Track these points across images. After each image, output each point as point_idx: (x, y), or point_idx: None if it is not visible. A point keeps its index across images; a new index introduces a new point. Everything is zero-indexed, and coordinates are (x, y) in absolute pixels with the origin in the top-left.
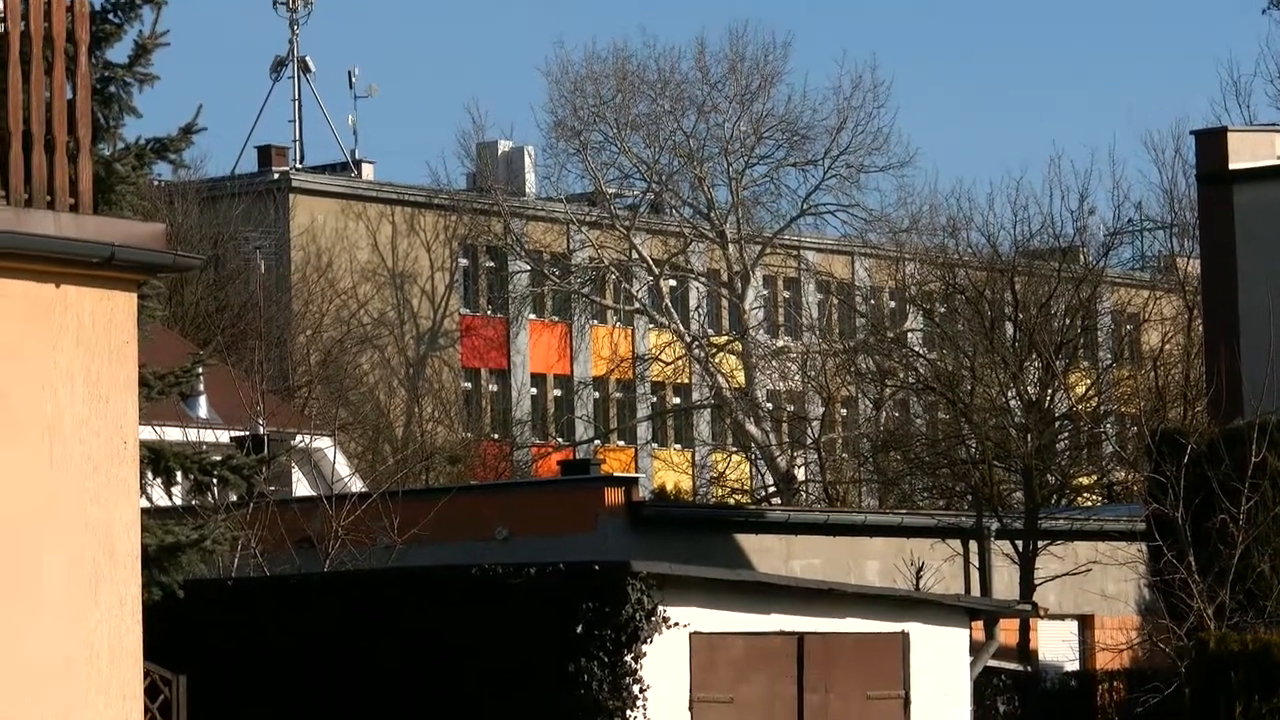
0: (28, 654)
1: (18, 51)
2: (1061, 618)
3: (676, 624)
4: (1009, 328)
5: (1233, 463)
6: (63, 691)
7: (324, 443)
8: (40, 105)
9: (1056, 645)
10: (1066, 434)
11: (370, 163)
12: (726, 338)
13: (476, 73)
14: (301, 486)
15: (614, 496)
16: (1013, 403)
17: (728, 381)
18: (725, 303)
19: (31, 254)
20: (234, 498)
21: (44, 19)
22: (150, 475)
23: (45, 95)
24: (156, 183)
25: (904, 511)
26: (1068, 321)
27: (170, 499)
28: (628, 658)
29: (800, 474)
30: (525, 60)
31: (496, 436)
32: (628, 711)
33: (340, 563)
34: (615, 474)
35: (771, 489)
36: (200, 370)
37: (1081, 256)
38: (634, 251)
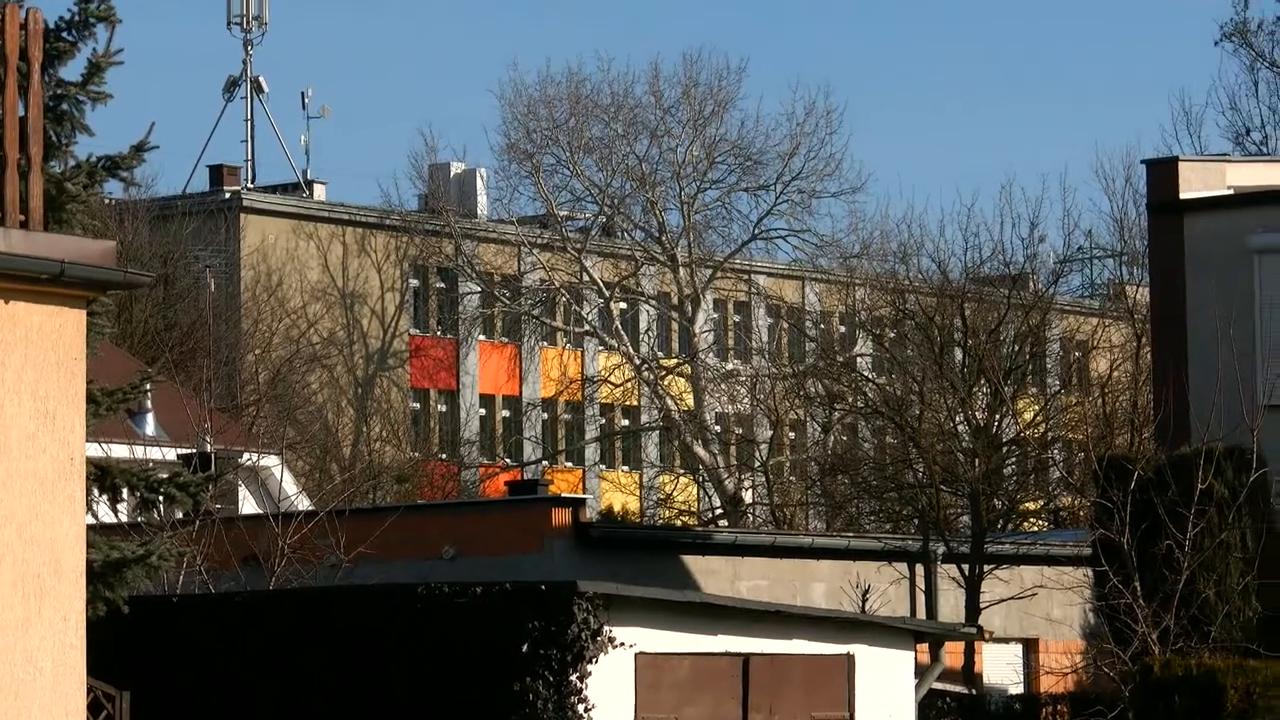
0: None
1: None
2: (1007, 641)
3: (622, 644)
4: (958, 353)
5: (1179, 489)
6: (5, 708)
7: (271, 461)
8: None
9: (1001, 668)
10: (1014, 459)
11: (322, 183)
12: (676, 360)
13: (429, 95)
14: (248, 504)
15: (561, 517)
16: (961, 428)
17: (676, 404)
18: (675, 326)
19: None
20: (180, 515)
21: None
22: (97, 491)
23: None
24: (107, 200)
25: (851, 534)
26: (1017, 348)
27: (116, 515)
28: (573, 677)
29: (748, 496)
30: (478, 82)
31: (444, 456)
32: None
33: (286, 581)
34: (563, 495)
35: (719, 511)
36: (148, 387)
37: (1031, 283)
38: (585, 274)
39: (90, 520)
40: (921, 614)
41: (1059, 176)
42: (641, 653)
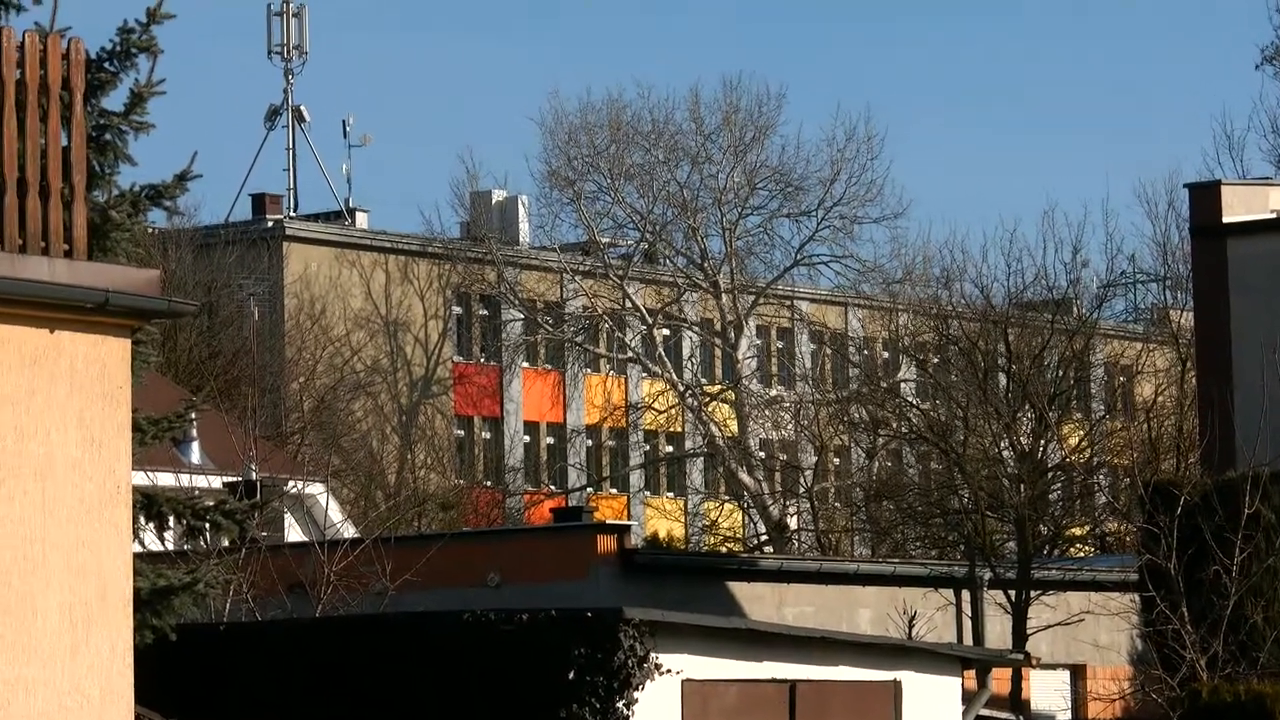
0: (19, 699)
1: (13, 99)
2: (1054, 667)
3: (669, 671)
4: (1002, 379)
5: (1226, 514)
6: None
7: (316, 489)
8: (35, 152)
9: (1049, 695)
10: (1059, 485)
11: (364, 211)
12: (719, 387)
13: (471, 122)
14: (294, 532)
15: (606, 544)
16: (1006, 453)
17: (720, 430)
18: (718, 352)
19: (26, 299)
20: (226, 542)
21: (40, 67)
22: (143, 519)
23: (40, 142)
24: (151, 230)
25: (897, 560)
26: (1061, 373)
27: (162, 543)
28: (620, 704)
29: (793, 523)
30: (520, 110)
31: (489, 483)
32: None
33: (332, 608)
34: (608, 521)
35: (764, 537)
36: (193, 416)
37: (1075, 308)
38: (627, 300)
39: (137, 548)
40: (968, 640)
41: (1101, 201)
42: (688, 680)
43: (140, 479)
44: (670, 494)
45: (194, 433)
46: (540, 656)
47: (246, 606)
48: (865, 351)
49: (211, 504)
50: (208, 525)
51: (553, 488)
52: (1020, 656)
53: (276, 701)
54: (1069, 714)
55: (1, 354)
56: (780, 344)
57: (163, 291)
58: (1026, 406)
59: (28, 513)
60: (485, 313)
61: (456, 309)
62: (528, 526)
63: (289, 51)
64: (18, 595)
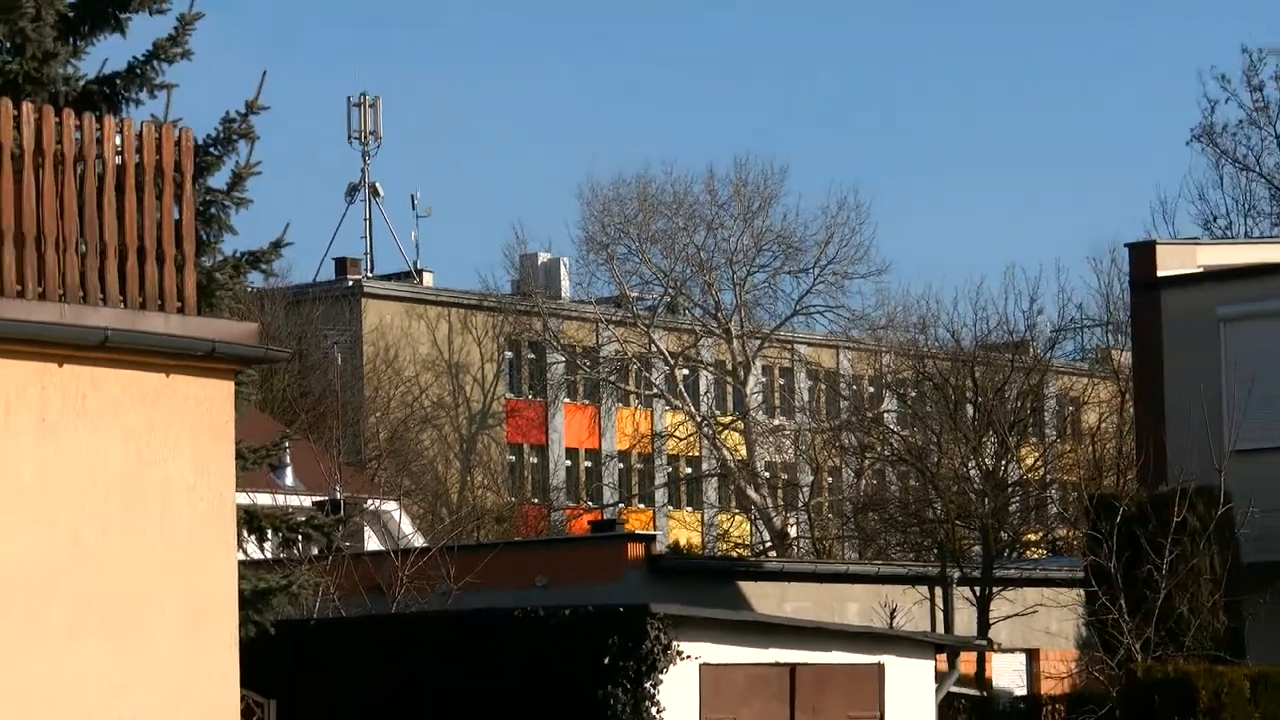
0: (149, 684)
1: (134, 180)
2: (1012, 651)
3: (688, 657)
4: (970, 409)
5: (1158, 522)
6: (175, 716)
7: (391, 506)
8: (152, 225)
9: (1008, 674)
10: (1018, 498)
11: (430, 271)
12: (731, 417)
13: (520, 196)
14: (372, 542)
15: (636, 551)
16: (972, 472)
17: (732, 454)
18: (730, 388)
19: (145, 349)
20: (316, 551)
21: (155, 152)
22: (246, 533)
23: (156, 216)
24: (250, 289)
25: (880, 563)
26: (1019, 404)
27: (262, 553)
28: (647, 685)
29: (792, 531)
30: (562, 185)
31: (536, 501)
32: None
33: (405, 606)
34: (637, 532)
35: (768, 544)
36: (287, 445)
37: (1031, 349)
38: (653, 345)
39: (241, 557)
40: (940, 629)
41: (1055, 259)
42: (705, 664)
43: (243, 499)
44: (689, 508)
45: (288, 459)
46: (581, 645)
47: (333, 605)
48: (854, 387)
49: (303, 519)
50: (300, 537)
51: (590, 504)
52: (984, 642)
53: (358, 684)
54: (1025, 690)
55: (126, 394)
56: (782, 381)
57: (260, 341)
58: (990, 432)
59: (151, 528)
60: (533, 356)
61: (508, 353)
62: (570, 537)
63: (365, 136)
64: (147, 595)
